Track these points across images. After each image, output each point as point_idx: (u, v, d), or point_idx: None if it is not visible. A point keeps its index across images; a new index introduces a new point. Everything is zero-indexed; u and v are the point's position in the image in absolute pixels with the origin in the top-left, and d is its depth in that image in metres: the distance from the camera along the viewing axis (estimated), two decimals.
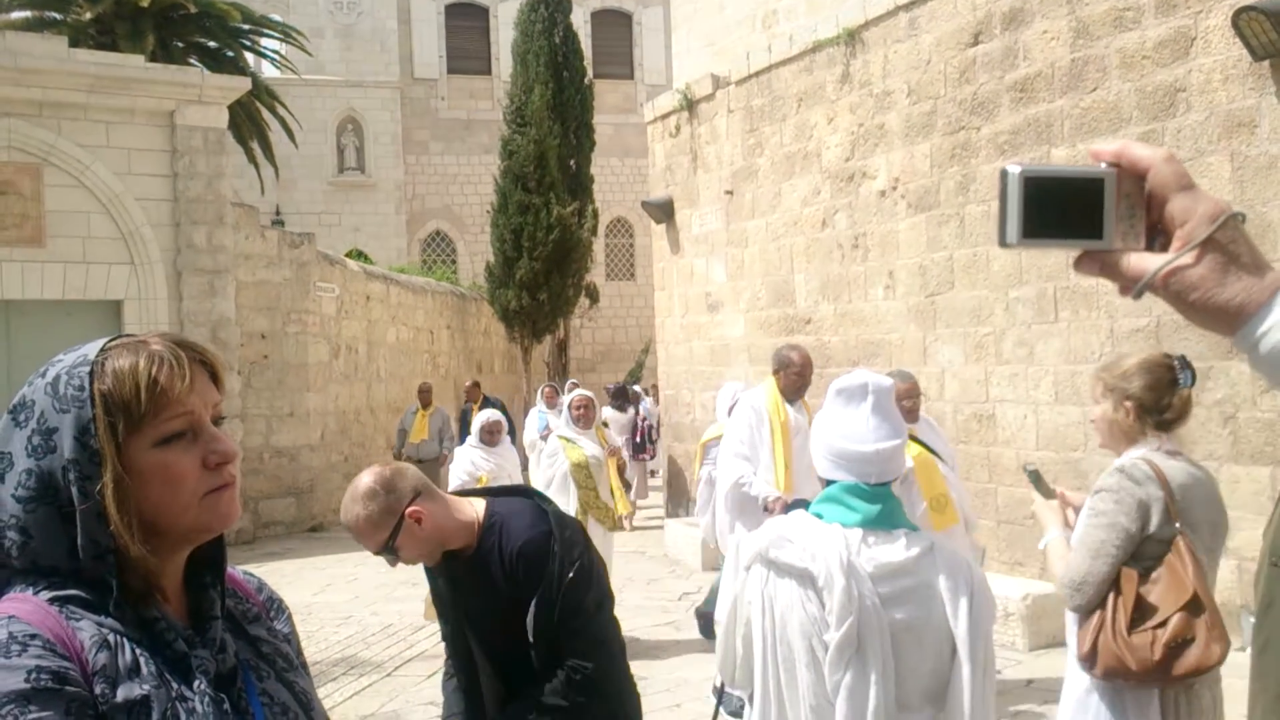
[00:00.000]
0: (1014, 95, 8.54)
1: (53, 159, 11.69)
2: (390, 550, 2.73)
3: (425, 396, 14.11)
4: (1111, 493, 2.84)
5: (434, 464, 13.43)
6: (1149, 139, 7.51)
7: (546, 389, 13.24)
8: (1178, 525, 2.80)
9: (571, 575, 2.72)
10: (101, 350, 1.28)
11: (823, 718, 2.34)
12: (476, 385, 15.31)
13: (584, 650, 2.71)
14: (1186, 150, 7.26)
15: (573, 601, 2.71)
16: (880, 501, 2.38)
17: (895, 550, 2.34)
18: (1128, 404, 2.92)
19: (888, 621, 2.30)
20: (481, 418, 8.33)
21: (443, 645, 3.13)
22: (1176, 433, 3.00)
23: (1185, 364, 2.89)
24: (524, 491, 3.04)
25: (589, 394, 8.19)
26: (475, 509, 2.84)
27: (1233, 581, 6.64)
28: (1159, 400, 2.92)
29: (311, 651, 7.77)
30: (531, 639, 2.70)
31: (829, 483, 2.48)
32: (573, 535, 2.82)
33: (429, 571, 3.00)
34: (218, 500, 1.30)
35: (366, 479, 2.75)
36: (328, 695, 6.76)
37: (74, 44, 13.44)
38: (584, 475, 7.48)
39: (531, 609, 2.69)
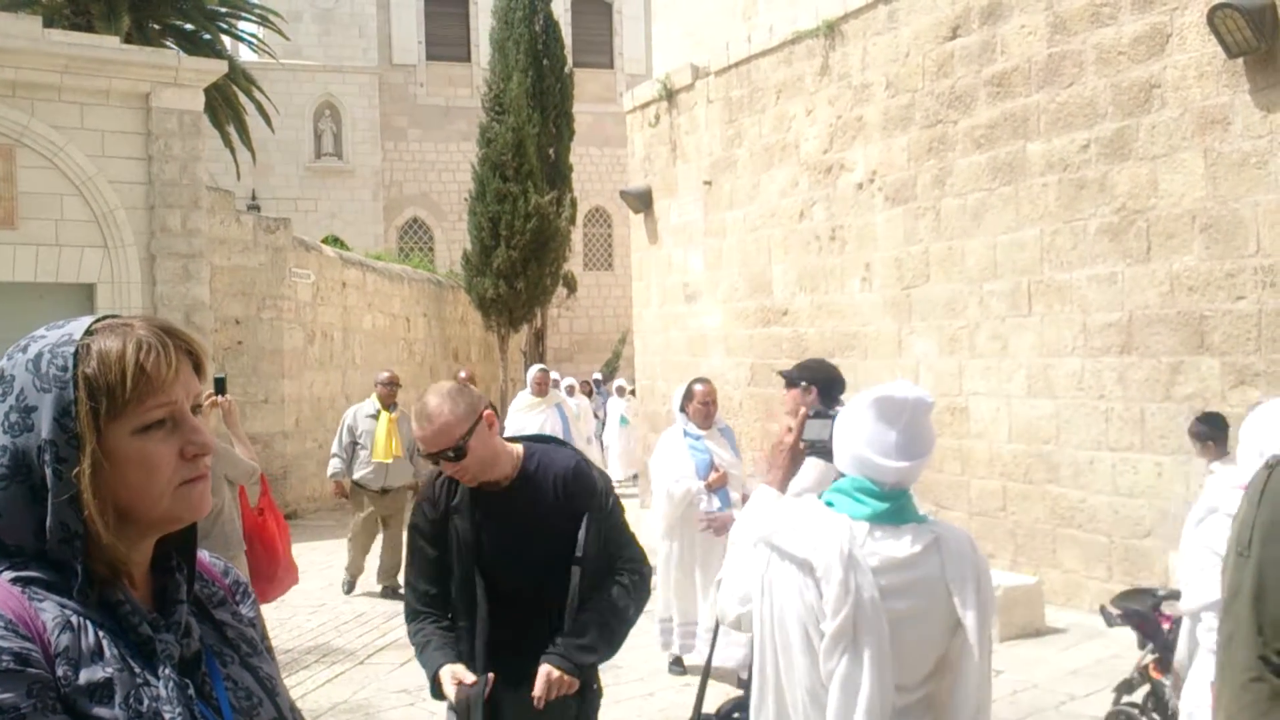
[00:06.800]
0: (991, 89, 8.57)
1: (25, 140, 11.55)
2: (459, 451, 2.92)
3: (391, 391, 9.33)
4: None
5: (400, 494, 9.28)
6: (1123, 134, 7.56)
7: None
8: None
9: (613, 500, 3.15)
10: (87, 331, 1.26)
11: (818, 702, 2.37)
12: (472, 379, 10.73)
13: (632, 556, 3.17)
14: (1160, 146, 7.31)
15: (619, 520, 3.16)
16: (891, 500, 2.40)
17: (901, 544, 2.36)
18: None
19: (888, 613, 2.32)
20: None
21: (414, 613, 3.22)
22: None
23: None
24: (550, 439, 3.37)
25: None
26: (514, 445, 3.16)
27: None
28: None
29: (283, 639, 7.74)
30: (580, 552, 3.03)
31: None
32: (604, 473, 3.25)
33: (422, 531, 3.14)
34: (190, 491, 1.29)
35: (445, 384, 3.06)
36: (299, 683, 6.74)
37: (48, 24, 13.28)
38: None
39: (585, 523, 3.05)
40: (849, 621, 2.30)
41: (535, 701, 2.93)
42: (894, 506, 2.40)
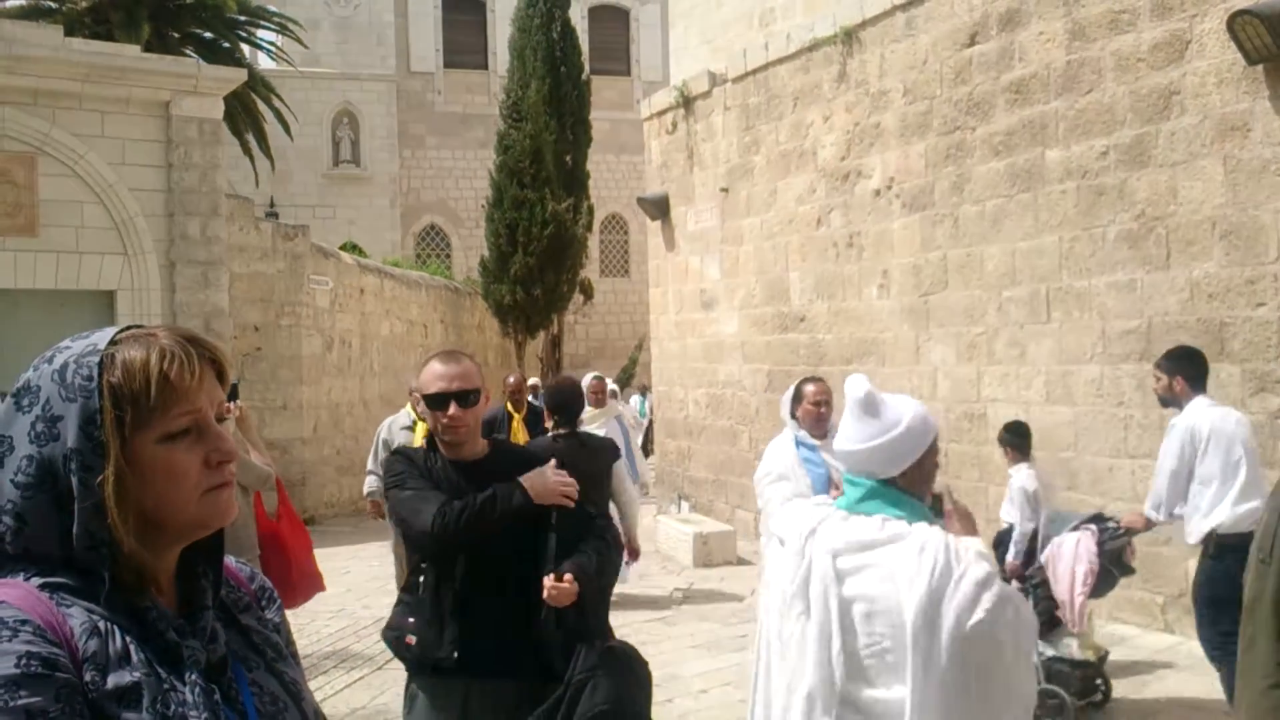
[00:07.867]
0: (1009, 96, 8.55)
1: (47, 148, 11.65)
2: (469, 398, 3.17)
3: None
4: None
5: None
6: (1142, 141, 7.53)
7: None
8: None
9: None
10: (111, 341, 1.28)
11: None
12: (521, 386, 9.33)
13: (596, 529, 3.35)
14: (1180, 153, 7.28)
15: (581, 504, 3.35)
16: (862, 489, 2.54)
17: (866, 530, 2.46)
18: None
19: (839, 590, 2.45)
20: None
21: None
22: None
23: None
24: None
25: None
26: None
27: None
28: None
29: (303, 644, 7.77)
30: (553, 522, 3.21)
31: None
32: None
33: (408, 471, 3.30)
34: (216, 498, 1.30)
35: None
36: (319, 688, 6.76)
37: (69, 33, 13.40)
38: None
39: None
40: (802, 583, 2.48)
41: (546, 591, 3.06)
42: (864, 497, 2.53)
